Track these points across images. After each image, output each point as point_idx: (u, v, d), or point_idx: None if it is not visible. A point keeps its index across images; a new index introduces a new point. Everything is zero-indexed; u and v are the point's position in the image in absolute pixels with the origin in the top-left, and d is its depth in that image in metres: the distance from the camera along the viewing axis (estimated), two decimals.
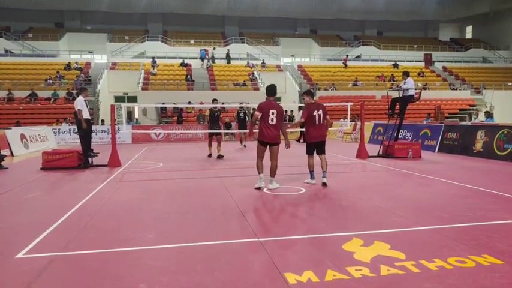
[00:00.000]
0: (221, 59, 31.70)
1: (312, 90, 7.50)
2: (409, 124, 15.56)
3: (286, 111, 20.04)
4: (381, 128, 16.21)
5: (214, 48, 32.21)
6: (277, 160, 6.70)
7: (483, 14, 38.38)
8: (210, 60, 30.68)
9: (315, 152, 7.25)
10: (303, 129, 18.66)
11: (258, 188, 6.66)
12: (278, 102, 6.87)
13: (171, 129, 20.89)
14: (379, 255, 3.50)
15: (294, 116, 24.57)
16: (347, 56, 33.98)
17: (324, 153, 7.22)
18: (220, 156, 11.68)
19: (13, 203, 5.99)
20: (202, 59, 30.89)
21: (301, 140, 19.04)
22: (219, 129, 12.51)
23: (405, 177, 8.17)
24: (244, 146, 15.25)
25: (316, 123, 7.04)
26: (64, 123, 20.51)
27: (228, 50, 32.17)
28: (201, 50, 31.38)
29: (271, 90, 6.77)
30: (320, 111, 7.03)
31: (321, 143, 7.20)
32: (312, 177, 7.24)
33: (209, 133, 12.22)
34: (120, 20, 35.93)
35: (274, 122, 6.48)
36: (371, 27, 41.09)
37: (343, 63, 32.67)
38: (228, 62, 31.25)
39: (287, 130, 7.54)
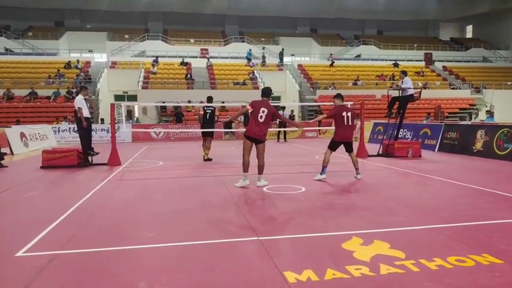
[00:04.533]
0: (221, 58, 31.68)
1: (341, 94, 7.95)
2: (409, 123, 15.56)
3: (282, 113, 19.65)
4: (381, 127, 16.21)
5: (263, 48, 32.33)
6: (264, 158, 6.87)
7: (483, 14, 38.35)
8: (210, 59, 30.65)
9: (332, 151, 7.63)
10: (285, 129, 19.00)
11: (244, 186, 6.77)
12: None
13: (171, 128, 20.89)
14: (379, 254, 3.50)
15: (294, 116, 24.59)
16: (331, 54, 33.80)
17: (352, 151, 7.71)
18: (208, 159, 10.80)
19: (13, 202, 5.99)
20: (249, 59, 31.09)
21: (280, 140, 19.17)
22: (212, 130, 11.04)
23: (405, 176, 8.17)
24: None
25: (345, 123, 7.47)
26: (64, 121, 20.50)
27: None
28: (249, 50, 31.78)
29: (266, 92, 6.99)
30: (349, 113, 7.49)
31: (347, 143, 7.61)
32: (323, 172, 7.48)
33: (202, 134, 11.07)
34: (120, 18, 35.89)
35: (262, 120, 6.66)
36: (371, 26, 41.06)
37: (330, 64, 32.36)
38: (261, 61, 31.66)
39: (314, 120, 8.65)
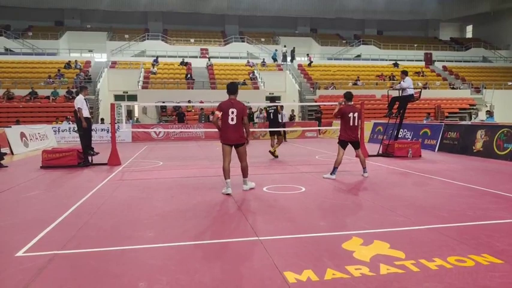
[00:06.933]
0: (221, 58, 31.68)
1: (351, 92, 7.90)
2: (409, 123, 15.57)
3: (282, 113, 19.47)
4: (380, 127, 16.21)
5: (285, 46, 32.44)
6: (247, 160, 6.44)
7: (483, 14, 38.36)
8: (210, 59, 30.63)
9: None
10: (284, 129, 18.94)
11: (227, 194, 6.20)
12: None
13: (171, 128, 20.89)
14: (379, 254, 3.50)
15: (294, 116, 24.59)
16: (308, 54, 33.75)
17: (359, 148, 7.92)
18: (273, 155, 11.23)
19: (13, 202, 5.99)
20: (274, 59, 31.05)
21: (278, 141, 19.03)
22: (278, 129, 11.56)
23: (405, 176, 8.16)
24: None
25: (351, 124, 7.52)
26: (65, 121, 20.51)
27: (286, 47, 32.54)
28: (275, 50, 32.01)
29: (230, 88, 6.31)
30: (356, 114, 7.53)
31: (353, 142, 7.73)
32: (333, 173, 7.60)
33: (270, 133, 11.82)
34: (120, 18, 35.91)
35: (234, 122, 6.13)
36: (371, 26, 41.04)
37: (308, 64, 32.17)
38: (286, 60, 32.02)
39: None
